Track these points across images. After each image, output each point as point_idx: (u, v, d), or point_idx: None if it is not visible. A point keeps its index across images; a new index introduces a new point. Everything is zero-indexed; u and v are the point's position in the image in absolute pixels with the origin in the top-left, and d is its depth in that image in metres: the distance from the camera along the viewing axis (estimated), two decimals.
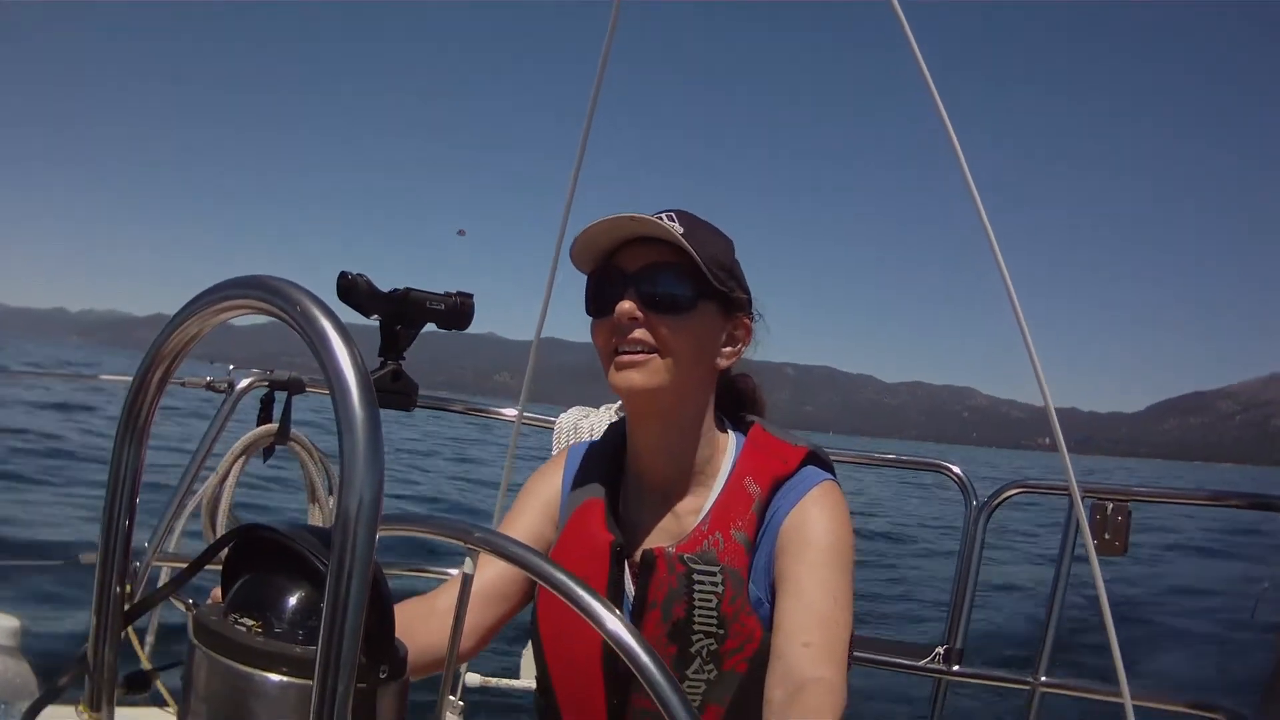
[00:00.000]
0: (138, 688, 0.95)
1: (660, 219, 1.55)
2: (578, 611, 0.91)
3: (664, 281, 1.55)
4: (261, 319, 0.79)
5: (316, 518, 2.58)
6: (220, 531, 2.23)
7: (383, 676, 0.80)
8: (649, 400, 1.58)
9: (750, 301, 1.67)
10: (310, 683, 0.74)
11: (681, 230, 1.53)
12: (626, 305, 1.54)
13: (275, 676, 0.77)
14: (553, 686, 1.64)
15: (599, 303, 1.60)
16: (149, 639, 2.96)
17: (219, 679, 0.79)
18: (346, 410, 0.68)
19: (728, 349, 1.63)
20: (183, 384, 3.00)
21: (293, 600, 0.81)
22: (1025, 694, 2.86)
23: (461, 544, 0.99)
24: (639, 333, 1.55)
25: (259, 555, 0.87)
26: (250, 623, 0.81)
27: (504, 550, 0.95)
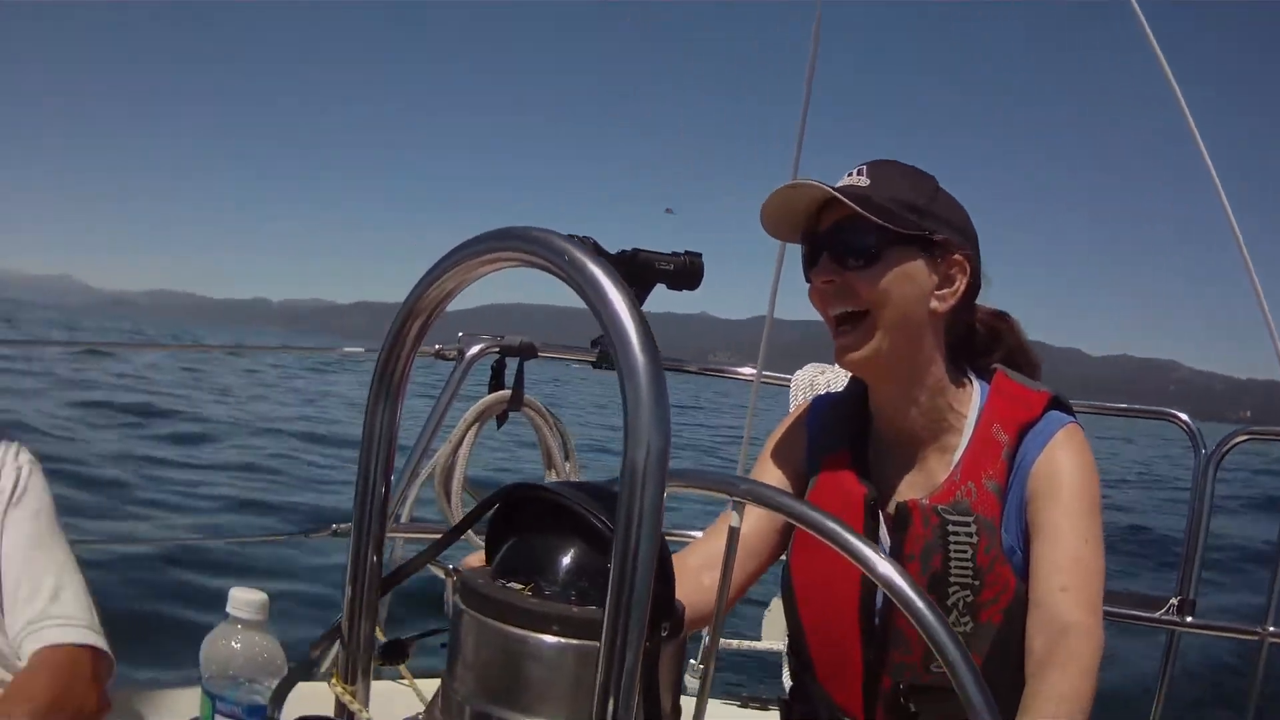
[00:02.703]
0: (394, 658, 0.94)
1: (850, 175, 1.57)
2: (848, 558, 0.89)
3: (850, 235, 1.54)
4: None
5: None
6: (455, 501, 2.26)
7: (664, 635, 0.77)
8: (874, 368, 1.59)
9: (970, 239, 1.62)
10: (589, 643, 0.73)
11: (867, 182, 1.54)
12: (821, 268, 1.56)
13: (551, 639, 0.75)
14: (806, 644, 1.65)
15: (805, 269, 1.62)
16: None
17: (490, 644, 0.78)
18: (628, 360, 0.64)
19: (943, 290, 1.58)
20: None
21: (565, 560, 0.79)
22: (1254, 645, 2.81)
23: (727, 496, 0.97)
24: (842, 294, 1.56)
25: (518, 517, 0.86)
26: (519, 585, 0.80)
27: (772, 500, 0.93)
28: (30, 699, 1.56)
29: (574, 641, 0.75)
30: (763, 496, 0.94)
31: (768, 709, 2.96)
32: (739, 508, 0.96)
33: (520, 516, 0.85)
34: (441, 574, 0.92)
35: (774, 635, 3.14)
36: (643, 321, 0.66)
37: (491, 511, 0.87)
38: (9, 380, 17.17)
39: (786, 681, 1.91)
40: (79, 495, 7.83)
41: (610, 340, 0.66)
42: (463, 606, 0.80)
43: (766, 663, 3.16)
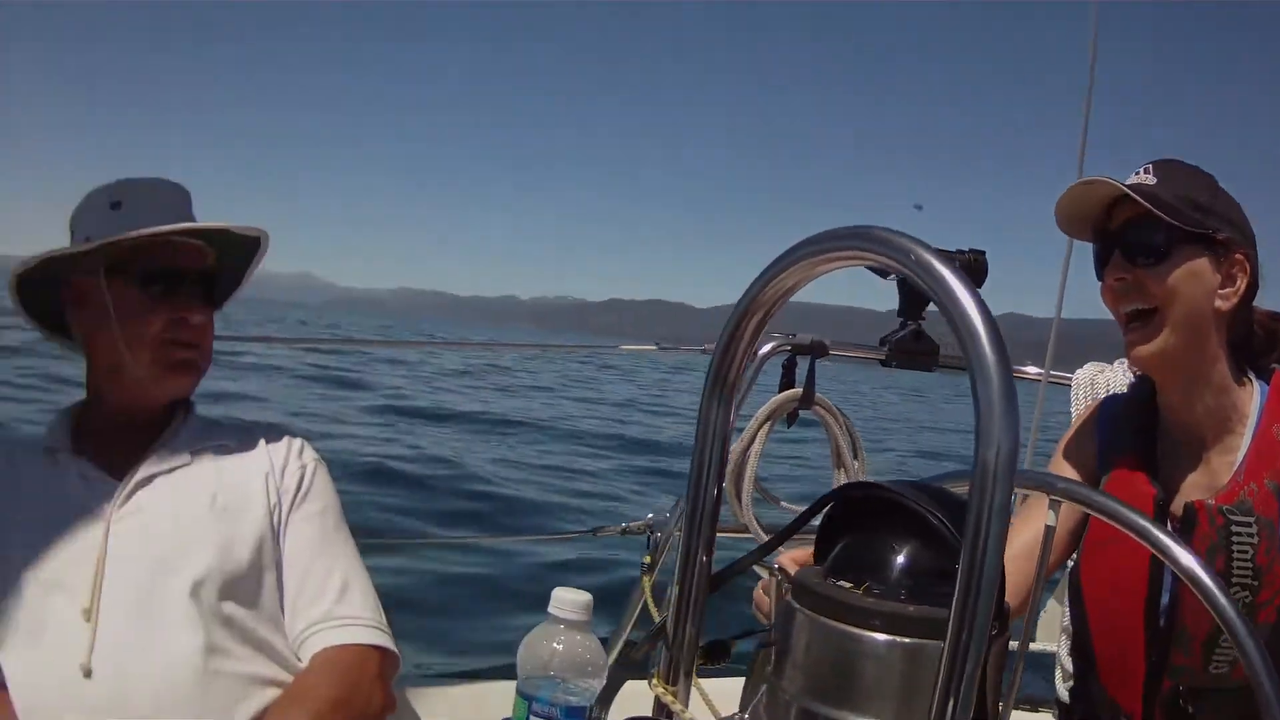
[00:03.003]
0: (716, 658, 0.94)
1: (1137, 174, 1.62)
2: (1160, 556, 0.93)
3: (1140, 233, 1.59)
4: None
5: (841, 481, 2.56)
6: (745, 499, 2.30)
7: (994, 633, 0.77)
8: (1161, 364, 1.63)
9: (1249, 238, 1.63)
10: (920, 641, 0.74)
11: (1154, 181, 1.59)
12: (1114, 265, 1.62)
13: (884, 637, 0.76)
14: (1091, 644, 1.70)
15: (1098, 267, 1.68)
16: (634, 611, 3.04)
17: (822, 642, 0.79)
18: (979, 359, 0.65)
19: (1225, 290, 1.61)
20: (703, 350, 3.14)
21: (898, 560, 0.80)
22: None
23: (1045, 495, 0.96)
24: (1133, 291, 1.60)
25: (843, 516, 0.86)
26: (848, 584, 0.80)
27: (1089, 499, 0.93)
28: (313, 700, 1.53)
29: (906, 640, 0.75)
30: (1079, 495, 0.95)
31: (1038, 710, 2.89)
32: (1055, 506, 0.96)
33: (846, 515, 0.86)
34: (766, 574, 0.93)
35: (1046, 637, 3.06)
36: (994, 322, 0.66)
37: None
38: (278, 378, 18.26)
39: (1059, 683, 2.04)
40: (375, 494, 8.27)
41: (962, 340, 0.66)
42: (796, 605, 0.82)
43: (1040, 664, 3.08)
